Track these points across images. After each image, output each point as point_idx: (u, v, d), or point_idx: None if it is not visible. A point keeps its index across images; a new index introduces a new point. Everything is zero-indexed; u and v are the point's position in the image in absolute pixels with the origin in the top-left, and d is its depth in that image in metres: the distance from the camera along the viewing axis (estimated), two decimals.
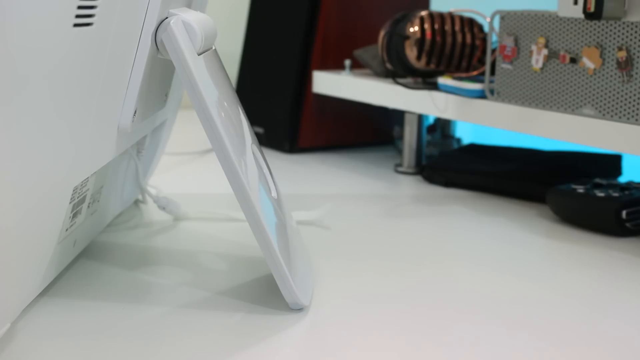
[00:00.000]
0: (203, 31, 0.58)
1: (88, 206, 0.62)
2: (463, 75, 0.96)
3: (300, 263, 0.63)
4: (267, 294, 0.62)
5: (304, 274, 0.62)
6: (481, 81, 0.92)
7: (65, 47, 0.45)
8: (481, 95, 0.91)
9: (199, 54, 0.58)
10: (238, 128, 0.60)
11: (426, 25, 0.99)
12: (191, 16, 0.58)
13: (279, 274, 0.57)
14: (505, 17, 0.88)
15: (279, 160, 1.11)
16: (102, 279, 0.64)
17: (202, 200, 0.88)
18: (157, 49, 0.57)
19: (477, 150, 1.04)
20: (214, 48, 0.64)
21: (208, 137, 0.57)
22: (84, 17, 0.46)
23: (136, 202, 0.85)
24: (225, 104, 0.60)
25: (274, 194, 0.62)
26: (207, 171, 1.05)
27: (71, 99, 0.47)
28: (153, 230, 0.78)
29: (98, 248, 0.71)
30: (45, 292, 0.60)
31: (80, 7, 0.45)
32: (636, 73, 0.76)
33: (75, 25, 0.45)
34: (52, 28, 0.43)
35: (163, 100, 0.69)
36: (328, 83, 1.14)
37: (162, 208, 0.80)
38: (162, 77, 0.61)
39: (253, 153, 0.62)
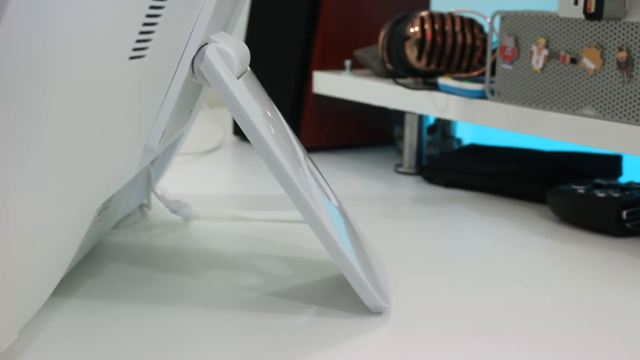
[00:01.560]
0: (239, 56, 0.58)
1: (98, 213, 0.62)
2: (463, 75, 0.96)
3: (374, 264, 0.63)
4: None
5: (380, 275, 0.62)
6: (481, 81, 0.92)
7: (118, 78, 0.45)
8: (481, 95, 0.91)
9: (237, 78, 0.58)
10: (288, 143, 0.60)
11: (426, 26, 0.99)
12: (226, 42, 0.58)
13: (355, 281, 0.57)
14: (506, 17, 0.88)
15: None
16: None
17: (206, 200, 0.88)
18: (193, 73, 0.57)
19: (478, 151, 1.04)
20: (249, 69, 0.64)
21: (262, 158, 0.56)
22: (139, 50, 0.46)
23: (140, 206, 0.85)
24: (272, 122, 0.60)
25: (334, 202, 0.62)
26: (207, 171, 1.05)
27: (111, 125, 0.48)
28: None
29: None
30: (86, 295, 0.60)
31: (138, 41, 0.45)
32: (636, 73, 0.76)
33: (131, 58, 0.46)
34: (110, 62, 0.43)
35: (187, 116, 0.69)
36: (328, 83, 1.14)
37: (174, 212, 0.80)
38: (190, 95, 0.61)
39: (307, 165, 0.62)
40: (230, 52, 0.57)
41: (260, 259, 0.70)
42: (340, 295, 0.62)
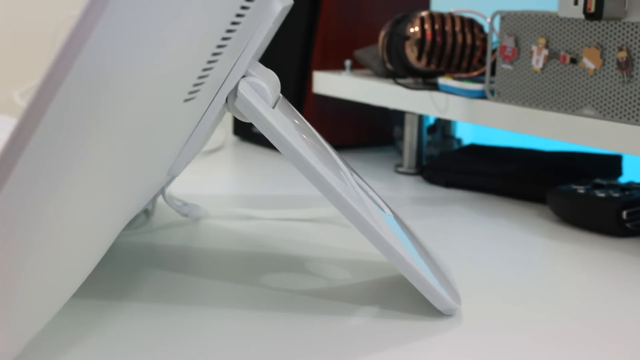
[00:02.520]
0: (270, 86, 0.58)
1: None
2: (463, 75, 0.96)
3: (441, 265, 0.63)
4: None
5: (448, 275, 0.62)
6: (481, 81, 0.92)
7: (170, 117, 0.46)
8: (481, 95, 0.91)
9: (273, 108, 0.58)
10: (332, 164, 0.59)
11: (426, 26, 0.99)
12: (257, 72, 0.58)
13: (426, 288, 0.57)
14: (506, 17, 0.88)
15: (279, 161, 1.11)
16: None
17: (214, 201, 0.88)
18: (227, 106, 0.57)
19: (478, 151, 1.04)
20: (280, 95, 0.64)
21: (313, 184, 0.57)
22: (193, 93, 0.47)
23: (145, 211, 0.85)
24: (312, 144, 0.60)
25: (388, 211, 0.62)
26: (210, 171, 1.05)
27: (152, 153, 0.48)
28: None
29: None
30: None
31: (195, 85, 0.46)
32: (636, 73, 0.76)
33: (185, 100, 0.46)
34: (168, 106, 0.44)
35: (208, 138, 0.70)
36: (328, 83, 1.14)
37: (185, 215, 0.79)
38: (216, 121, 0.61)
39: (355, 181, 0.62)
40: (264, 85, 0.57)
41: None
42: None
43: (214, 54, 0.46)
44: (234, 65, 0.55)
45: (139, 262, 0.68)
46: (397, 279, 0.65)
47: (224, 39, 0.47)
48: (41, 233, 0.40)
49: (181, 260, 0.70)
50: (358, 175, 0.65)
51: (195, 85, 0.46)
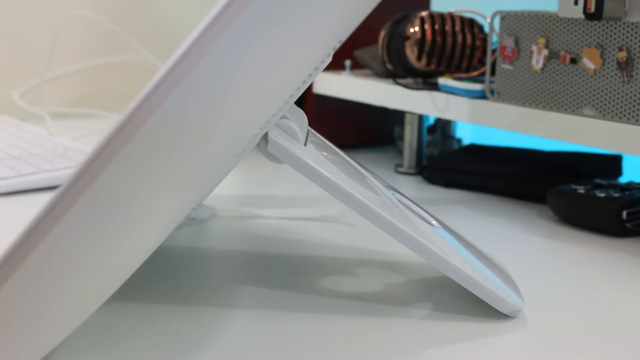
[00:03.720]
0: (299, 124, 0.57)
1: None
2: (463, 75, 0.96)
3: (497, 264, 0.63)
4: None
5: (505, 272, 0.62)
6: (481, 81, 0.92)
7: (219, 168, 0.47)
8: (481, 95, 0.91)
9: (305, 145, 0.58)
10: (371, 189, 0.59)
11: (426, 26, 0.99)
12: (285, 114, 0.57)
13: (488, 296, 0.57)
14: (506, 17, 0.88)
15: None
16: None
17: (221, 200, 0.88)
18: (258, 146, 0.57)
19: (478, 151, 1.04)
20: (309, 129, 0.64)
21: (360, 214, 0.56)
22: (246, 148, 0.47)
23: None
24: (349, 172, 0.59)
25: (435, 223, 0.62)
26: None
27: (194, 197, 0.49)
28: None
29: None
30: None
31: (250, 141, 0.47)
32: (636, 73, 0.76)
33: (237, 155, 0.47)
34: (223, 160, 0.44)
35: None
36: (328, 83, 1.14)
37: (192, 219, 0.79)
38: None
39: (396, 198, 0.61)
40: (294, 125, 0.56)
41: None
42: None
43: (274, 114, 0.46)
44: (278, 112, 0.55)
45: (146, 263, 0.68)
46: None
47: (291, 95, 0.47)
48: (86, 267, 0.39)
49: (193, 260, 0.70)
50: (395, 190, 0.65)
51: (250, 141, 0.46)
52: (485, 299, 0.57)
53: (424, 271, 0.67)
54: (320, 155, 0.58)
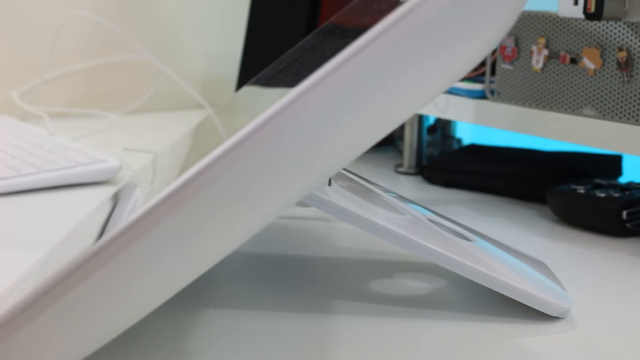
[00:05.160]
0: None
1: None
2: None
3: (540, 265, 0.63)
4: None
5: (550, 273, 0.62)
6: (481, 81, 0.92)
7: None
8: (481, 95, 0.91)
9: (329, 185, 0.57)
10: (409, 222, 0.58)
11: None
12: None
13: (536, 303, 0.56)
14: None
15: None
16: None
17: None
18: None
19: (478, 151, 1.04)
20: None
21: (397, 245, 0.56)
22: None
23: None
24: (377, 201, 0.59)
25: (473, 237, 0.61)
26: None
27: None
28: None
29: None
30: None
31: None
32: (636, 73, 0.76)
33: None
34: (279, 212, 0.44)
35: None
36: None
37: None
38: None
39: (430, 218, 0.61)
40: None
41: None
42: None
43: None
44: None
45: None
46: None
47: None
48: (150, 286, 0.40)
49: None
50: (429, 209, 0.65)
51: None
52: (533, 306, 0.56)
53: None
54: (345, 192, 0.57)
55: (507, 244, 0.66)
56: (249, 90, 0.71)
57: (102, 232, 0.57)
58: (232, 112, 0.68)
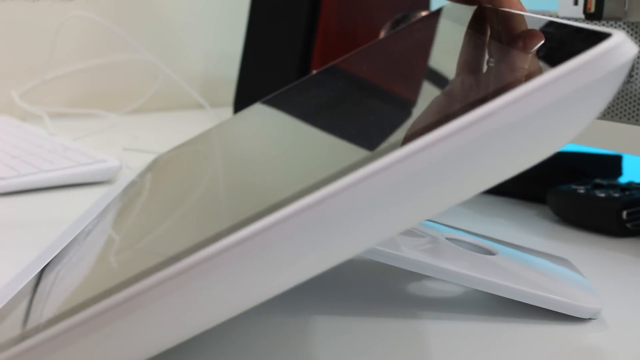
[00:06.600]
0: None
1: None
2: None
3: (565, 266, 0.63)
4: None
5: (579, 273, 0.62)
6: None
7: None
8: None
9: None
10: (423, 242, 0.58)
11: None
12: None
13: (565, 308, 0.56)
14: None
15: None
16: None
17: None
18: None
19: None
20: None
21: (426, 274, 0.55)
22: None
23: None
24: (400, 233, 0.58)
25: (496, 250, 0.61)
26: None
27: None
28: None
29: None
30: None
31: None
32: (636, 73, 0.76)
33: None
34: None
35: None
36: None
37: None
38: None
39: (448, 236, 0.61)
40: None
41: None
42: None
43: None
44: None
45: None
46: None
47: None
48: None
49: None
50: (452, 227, 0.64)
51: None
52: (562, 311, 0.56)
53: None
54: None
55: (527, 247, 0.65)
56: (261, 109, 0.69)
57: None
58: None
